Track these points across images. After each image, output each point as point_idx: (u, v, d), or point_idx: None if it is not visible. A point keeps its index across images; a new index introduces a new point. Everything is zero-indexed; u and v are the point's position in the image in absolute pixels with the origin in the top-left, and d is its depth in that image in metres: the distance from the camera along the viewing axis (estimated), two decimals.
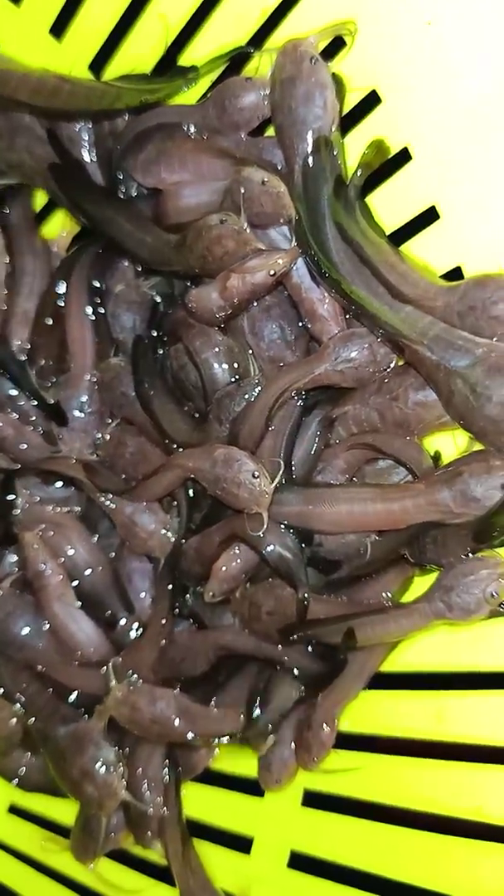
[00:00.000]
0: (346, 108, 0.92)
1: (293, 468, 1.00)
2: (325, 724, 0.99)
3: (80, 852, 1.11)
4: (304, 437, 1.00)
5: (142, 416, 1.09)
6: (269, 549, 0.97)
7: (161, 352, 1.12)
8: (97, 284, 1.15)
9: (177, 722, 1.04)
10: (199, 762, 1.11)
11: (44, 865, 1.16)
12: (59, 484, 1.17)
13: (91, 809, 1.08)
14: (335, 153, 0.92)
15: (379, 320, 0.89)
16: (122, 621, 1.14)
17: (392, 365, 0.95)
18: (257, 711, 1.02)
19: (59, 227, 1.23)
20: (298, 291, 0.98)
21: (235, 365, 1.05)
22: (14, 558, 1.17)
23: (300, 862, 0.99)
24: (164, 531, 1.10)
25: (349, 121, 0.92)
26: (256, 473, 0.94)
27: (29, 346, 1.18)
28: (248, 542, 1.01)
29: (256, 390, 1.01)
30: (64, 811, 1.16)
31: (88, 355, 1.14)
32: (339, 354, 0.95)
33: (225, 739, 1.05)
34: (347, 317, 0.98)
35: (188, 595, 1.11)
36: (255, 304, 1.02)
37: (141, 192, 1.09)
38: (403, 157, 0.90)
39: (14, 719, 1.15)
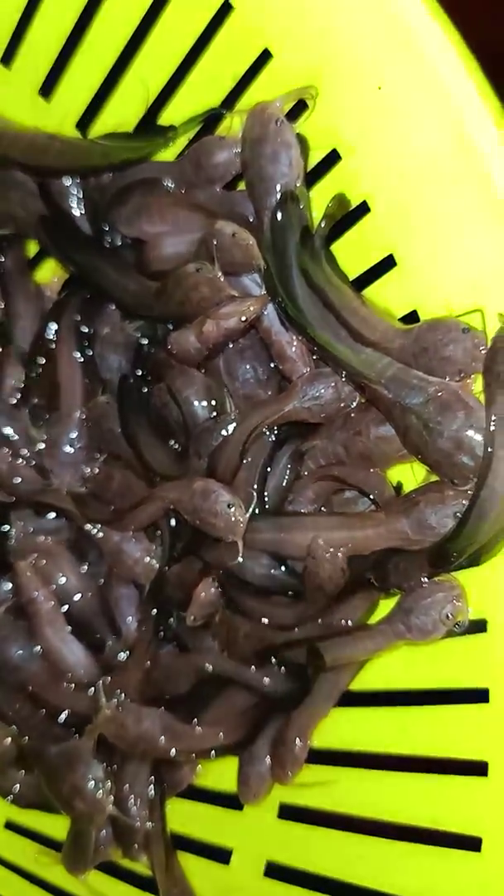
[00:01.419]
0: (310, 165, 0.98)
1: (266, 498, 1.06)
2: (298, 741, 1.04)
3: (72, 865, 1.13)
4: (276, 469, 1.07)
5: (127, 450, 1.15)
6: (253, 572, 1.04)
7: (146, 390, 1.18)
8: (85, 329, 1.21)
9: (161, 739, 1.09)
10: (183, 778, 1.16)
11: (39, 878, 1.20)
12: (51, 515, 1.23)
13: (81, 824, 1.12)
14: (301, 206, 0.98)
15: (341, 362, 0.95)
16: (110, 644, 1.19)
17: (356, 402, 1.00)
18: None
19: (51, 273, 1.30)
20: (269, 334, 1.05)
21: (213, 402, 1.11)
22: (9, 586, 1.23)
23: (276, 871, 1.04)
24: (148, 559, 1.16)
25: (313, 176, 0.99)
26: (231, 504, 1.00)
27: (22, 387, 1.24)
28: (228, 569, 1.07)
29: (232, 426, 1.07)
30: (57, 826, 1.18)
31: (78, 394, 1.20)
32: (306, 393, 1.01)
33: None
34: (314, 357, 1.04)
35: (171, 619, 1.17)
36: (230, 345, 1.08)
37: (125, 242, 1.16)
38: (363, 209, 0.96)
39: (9, 739, 1.20)
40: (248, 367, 1.09)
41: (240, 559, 1.03)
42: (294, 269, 1.00)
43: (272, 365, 1.08)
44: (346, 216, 0.99)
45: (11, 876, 1.24)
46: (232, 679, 1.11)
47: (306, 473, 1.07)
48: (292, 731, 1.05)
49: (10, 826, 1.29)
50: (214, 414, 1.11)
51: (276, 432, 1.06)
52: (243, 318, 1.02)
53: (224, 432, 1.08)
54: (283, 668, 1.08)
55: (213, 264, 1.03)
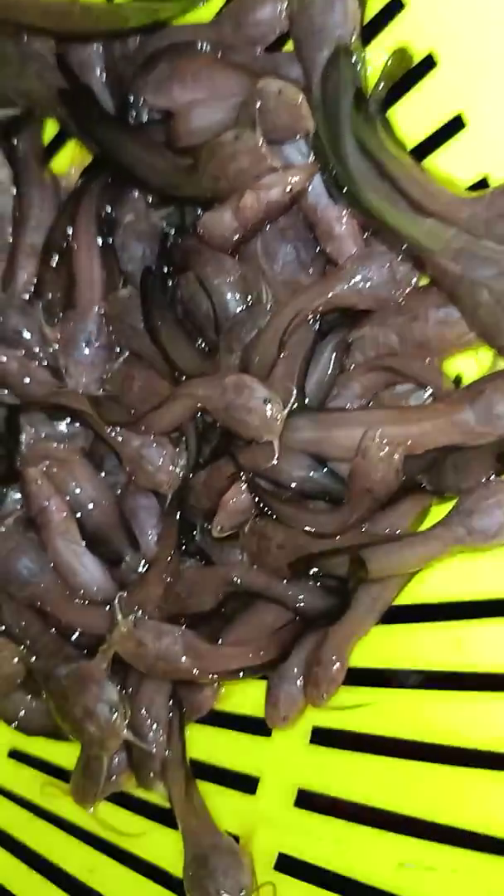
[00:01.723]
0: (368, 17, 0.88)
1: (306, 394, 0.97)
2: (334, 659, 0.95)
3: (81, 796, 1.07)
4: (318, 362, 0.97)
5: (150, 348, 1.05)
6: (290, 474, 0.95)
7: (171, 284, 1.08)
8: (106, 215, 1.11)
9: (183, 658, 1.00)
10: (204, 702, 1.08)
11: (44, 810, 1.14)
12: (65, 420, 1.13)
13: (92, 750, 1.04)
14: (356, 64, 0.88)
15: (400, 234, 0.86)
16: (128, 558, 1.10)
17: (413, 284, 0.91)
18: None
19: (68, 162, 1.19)
20: (314, 210, 0.95)
21: (247, 292, 1.01)
22: (17, 496, 1.14)
23: (308, 800, 0.96)
24: (171, 465, 1.07)
25: (370, 31, 0.89)
26: (268, 399, 0.91)
27: (36, 281, 1.15)
28: (261, 473, 0.97)
29: (268, 317, 0.98)
30: (65, 755, 1.13)
31: (96, 288, 1.10)
32: (356, 273, 0.92)
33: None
34: (365, 236, 0.94)
35: (195, 532, 1.08)
36: (267, 227, 0.98)
37: (152, 118, 1.06)
38: (427, 65, 0.86)
39: (16, 659, 1.12)
40: (289, 248, 0.99)
41: (275, 461, 0.93)
42: (347, 133, 0.91)
43: (317, 249, 0.98)
44: (407, 74, 0.89)
45: (15, 809, 1.16)
46: (262, 594, 1.02)
47: (352, 367, 0.97)
48: (329, 648, 0.96)
49: (15, 755, 1.21)
50: (249, 304, 1.01)
51: (319, 321, 0.97)
52: (288, 189, 0.93)
53: (259, 324, 0.98)
54: (319, 581, 0.99)
55: (254, 131, 0.93)
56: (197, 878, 0.94)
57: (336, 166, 0.89)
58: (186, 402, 1.01)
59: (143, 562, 1.10)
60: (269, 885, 0.92)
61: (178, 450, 1.08)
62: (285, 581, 0.99)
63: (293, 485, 0.96)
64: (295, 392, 0.95)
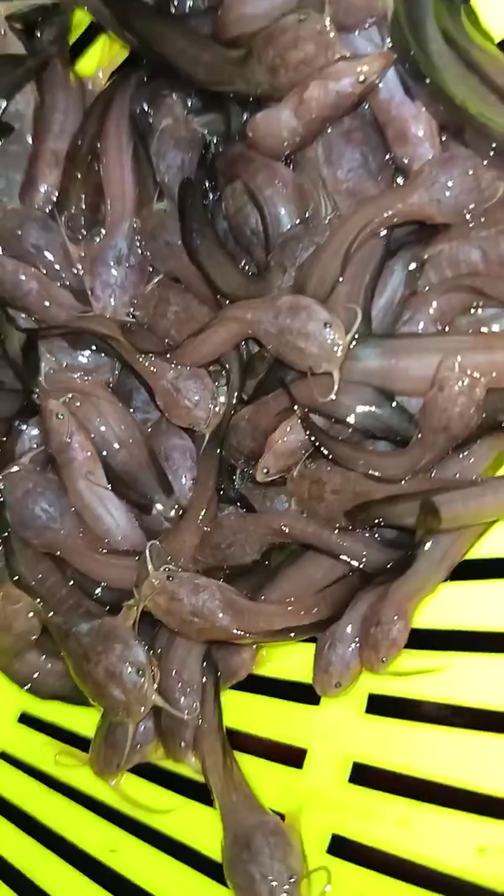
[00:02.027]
0: None
1: (373, 318, 0.86)
2: (396, 619, 0.85)
3: (102, 767, 0.98)
4: (386, 282, 0.86)
5: (189, 269, 0.95)
6: (352, 409, 0.84)
7: (213, 197, 0.98)
8: (140, 119, 1.00)
9: (221, 616, 0.89)
10: (241, 666, 0.97)
11: (58, 781, 1.04)
12: (89, 350, 1.03)
13: (116, 717, 0.94)
14: None
15: (490, 131, 0.75)
16: (159, 504, 1.00)
17: (500, 193, 0.79)
18: None
19: (95, 65, 1.07)
20: (387, 109, 0.85)
21: (304, 204, 0.90)
22: (35, 432, 1.02)
23: (364, 776, 0.85)
24: (210, 401, 0.95)
25: None
26: (329, 322, 0.81)
27: (58, 192, 1.03)
28: (317, 409, 0.86)
29: (327, 233, 0.87)
30: (82, 721, 1.03)
31: (128, 200, 0.99)
32: (435, 181, 0.81)
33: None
34: (443, 140, 0.83)
35: (236, 476, 0.98)
36: (329, 128, 0.87)
37: (197, 7, 0.95)
38: None
39: (30, 614, 1.01)
40: (355, 153, 0.87)
41: (334, 395, 0.82)
42: (430, 17, 0.79)
43: (388, 156, 0.87)
44: None
45: (26, 780, 1.06)
46: (313, 545, 0.91)
47: (426, 288, 0.86)
48: (389, 607, 0.86)
49: (26, 720, 1.10)
50: (305, 217, 0.90)
51: (389, 235, 0.85)
52: (361, 79, 0.81)
53: (318, 240, 0.87)
54: (378, 532, 0.89)
55: (321, 13, 0.81)
56: (239, 861, 0.83)
57: (417, 53, 0.79)
58: (231, 328, 0.90)
59: (176, 508, 1.00)
60: (323, 869, 0.81)
61: (217, 384, 0.96)
62: (340, 531, 0.88)
63: (354, 422, 0.85)
64: (360, 315, 0.83)
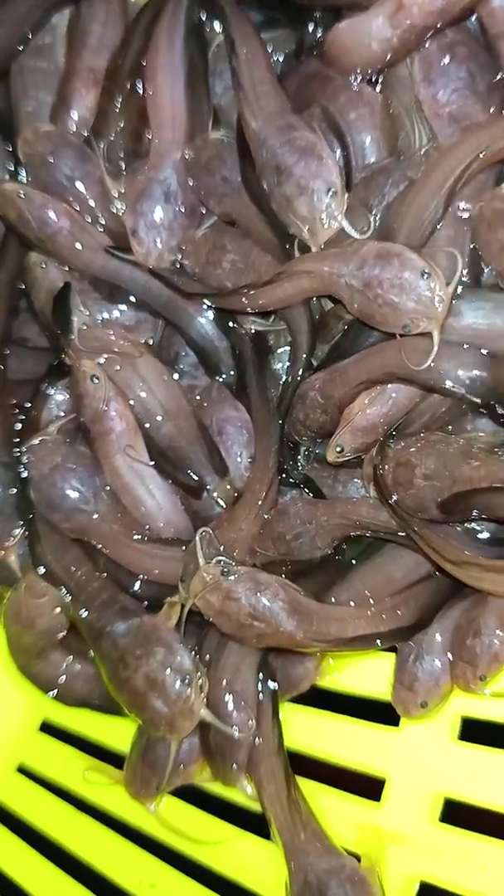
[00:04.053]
0: None
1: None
2: (498, 631, 0.74)
3: (139, 788, 0.87)
4: None
5: (250, 210, 0.83)
6: (453, 375, 0.70)
7: None
8: (195, 32, 0.86)
9: (286, 619, 0.77)
10: (304, 677, 0.86)
11: (86, 802, 0.92)
12: (128, 304, 0.90)
13: (157, 731, 0.83)
14: None
15: None
16: (210, 487, 0.87)
17: None
18: None
19: None
20: (499, 18, 0.71)
21: (394, 132, 0.77)
22: (65, 397, 0.88)
23: (459, 814, 0.73)
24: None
25: None
26: (427, 271, 0.69)
27: (96, 116, 0.90)
28: (409, 377, 0.73)
29: (422, 167, 0.75)
30: (117, 734, 0.92)
31: (178, 126, 0.86)
32: None
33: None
34: None
35: (300, 456, 0.86)
36: (427, 43, 0.75)
37: None
38: None
39: (58, 609, 0.89)
40: (460, 71, 0.76)
41: (431, 362, 0.69)
42: None
43: (498, 75, 0.75)
44: None
45: (49, 800, 0.93)
46: (395, 539, 0.79)
47: None
48: (491, 615, 0.75)
49: (48, 729, 0.98)
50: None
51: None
52: None
53: (411, 175, 0.75)
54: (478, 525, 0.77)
55: None
56: None
57: None
58: (301, 285, 0.78)
59: (229, 491, 0.86)
60: None
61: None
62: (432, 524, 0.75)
63: (455, 389, 0.72)
64: (461, 262, 0.71)
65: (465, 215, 0.73)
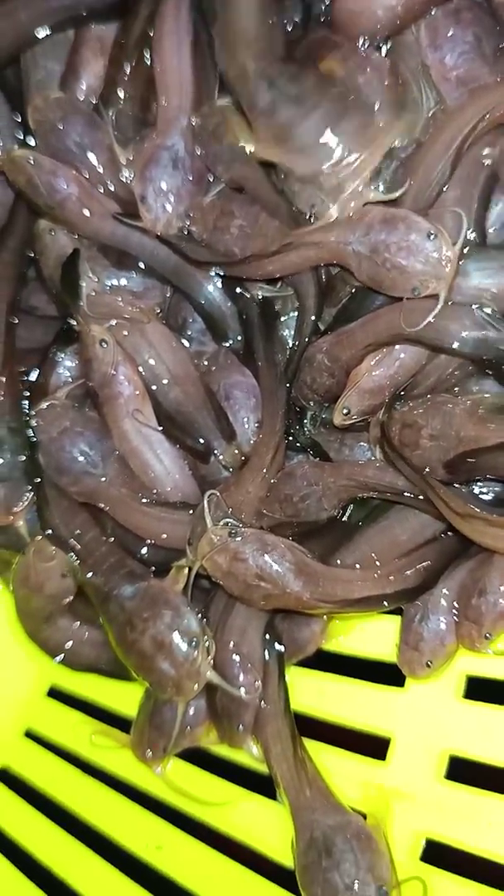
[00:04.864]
0: None
1: (486, 229, 0.73)
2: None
3: (145, 751, 0.87)
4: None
5: (258, 175, 0.81)
6: (460, 334, 0.70)
7: None
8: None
9: (293, 580, 0.77)
10: (310, 640, 0.87)
11: (94, 766, 0.92)
12: (137, 269, 0.89)
13: (164, 694, 0.83)
14: None
15: None
16: (218, 450, 0.87)
17: None
18: None
19: None
20: None
21: (403, 96, 0.76)
22: (73, 363, 0.88)
23: (465, 771, 0.73)
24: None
25: None
26: (433, 233, 0.69)
27: (104, 83, 0.89)
28: (416, 338, 0.73)
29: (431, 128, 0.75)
30: (122, 696, 0.92)
31: (186, 93, 0.85)
32: None
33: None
34: None
35: (307, 418, 0.86)
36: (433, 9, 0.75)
37: None
38: None
39: (65, 573, 0.89)
40: (467, 35, 0.76)
41: (431, 318, 0.70)
42: None
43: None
44: None
45: (57, 763, 0.94)
46: (402, 500, 0.79)
47: None
48: (497, 574, 0.75)
49: (56, 694, 0.98)
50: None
51: None
52: None
53: (418, 136, 0.74)
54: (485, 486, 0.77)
55: None
56: (318, 868, 0.71)
57: None
58: (309, 254, 0.77)
59: (236, 455, 0.86)
60: (417, 880, 0.68)
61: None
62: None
63: (462, 349, 0.72)
64: (468, 223, 0.71)
65: (488, 161, 0.73)
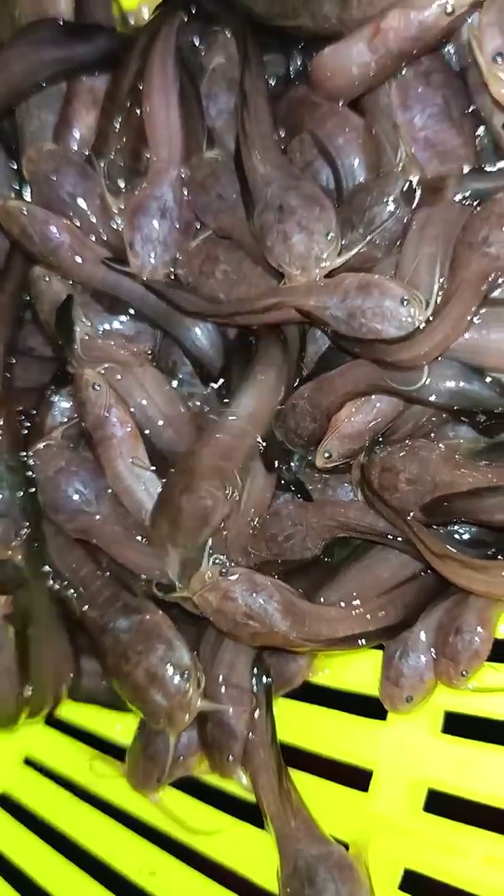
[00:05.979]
0: None
1: None
2: (479, 629, 0.77)
3: (140, 780, 0.90)
4: None
5: (242, 224, 0.83)
6: (434, 386, 0.73)
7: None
8: (189, 55, 0.90)
9: (280, 620, 0.79)
10: (296, 673, 0.89)
11: (91, 794, 0.95)
12: (127, 315, 0.92)
13: (157, 724, 0.85)
14: None
15: None
16: None
17: None
18: None
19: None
20: (476, 49, 0.72)
21: (377, 155, 0.80)
22: (68, 404, 0.91)
23: (442, 804, 0.76)
24: None
25: None
26: (406, 298, 0.71)
27: (96, 135, 0.92)
28: (395, 391, 0.76)
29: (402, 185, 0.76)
30: (120, 727, 0.95)
31: (175, 145, 0.88)
32: None
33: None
34: None
35: (294, 459, 0.88)
36: (405, 70, 0.77)
37: None
38: None
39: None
40: (435, 97, 0.78)
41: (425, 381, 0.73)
42: None
43: (471, 107, 0.78)
44: None
45: (55, 791, 0.97)
46: (380, 540, 0.82)
47: None
48: (471, 613, 0.78)
49: (54, 723, 1.00)
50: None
51: None
52: (448, 11, 0.72)
53: (389, 191, 0.76)
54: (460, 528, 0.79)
55: None
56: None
57: None
58: (290, 314, 0.79)
59: None
60: None
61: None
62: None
63: (438, 400, 0.75)
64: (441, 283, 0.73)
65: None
